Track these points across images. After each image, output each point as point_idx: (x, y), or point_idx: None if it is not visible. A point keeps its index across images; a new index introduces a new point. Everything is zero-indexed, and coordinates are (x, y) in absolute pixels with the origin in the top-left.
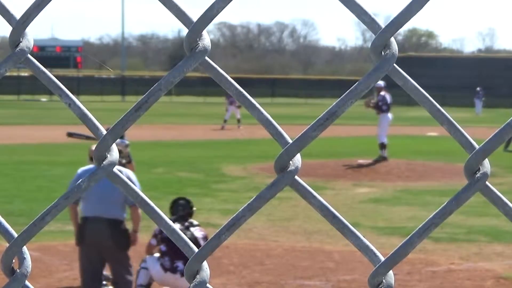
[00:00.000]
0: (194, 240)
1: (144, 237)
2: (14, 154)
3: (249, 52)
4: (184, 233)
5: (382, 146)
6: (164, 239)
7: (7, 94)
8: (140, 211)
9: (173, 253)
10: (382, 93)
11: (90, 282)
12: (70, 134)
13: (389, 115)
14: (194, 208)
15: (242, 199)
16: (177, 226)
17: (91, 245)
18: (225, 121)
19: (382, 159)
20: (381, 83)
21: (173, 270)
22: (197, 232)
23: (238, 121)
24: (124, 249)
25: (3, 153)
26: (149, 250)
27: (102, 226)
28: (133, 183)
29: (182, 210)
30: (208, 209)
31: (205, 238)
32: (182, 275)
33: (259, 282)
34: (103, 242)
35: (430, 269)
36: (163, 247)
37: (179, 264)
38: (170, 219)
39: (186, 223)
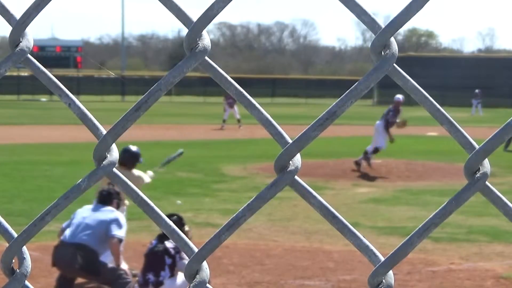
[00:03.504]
0: (166, 251)
1: (143, 236)
2: (14, 154)
3: (249, 52)
4: (158, 247)
5: (376, 150)
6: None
7: (7, 94)
8: (119, 245)
9: (144, 268)
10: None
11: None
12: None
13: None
14: (187, 228)
15: (242, 199)
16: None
17: (59, 269)
18: (224, 121)
19: (357, 164)
20: (399, 97)
21: (146, 284)
22: (172, 244)
23: (238, 121)
24: (90, 273)
25: (3, 153)
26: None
27: (68, 252)
28: (120, 224)
29: None
30: (208, 209)
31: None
32: (154, 286)
33: (259, 282)
34: (66, 267)
35: (430, 269)
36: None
37: (150, 276)
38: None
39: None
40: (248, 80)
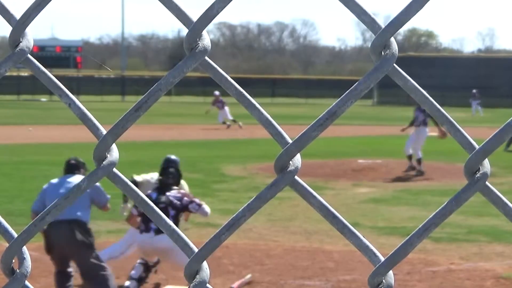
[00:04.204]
0: (170, 203)
1: None
2: (14, 154)
3: (249, 52)
4: (160, 199)
5: (420, 161)
6: None
7: (7, 94)
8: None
9: (144, 217)
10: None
11: (59, 283)
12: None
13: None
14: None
15: (242, 199)
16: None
17: (57, 248)
18: (223, 123)
19: (419, 173)
20: None
21: (147, 230)
22: (174, 194)
23: (234, 121)
24: (88, 247)
25: (3, 153)
26: (132, 219)
27: (64, 228)
28: (100, 188)
29: (171, 179)
30: None
31: (182, 197)
32: (156, 233)
33: (259, 282)
34: (66, 243)
35: (430, 269)
36: (138, 212)
37: (152, 225)
38: (155, 186)
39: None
40: (248, 80)
